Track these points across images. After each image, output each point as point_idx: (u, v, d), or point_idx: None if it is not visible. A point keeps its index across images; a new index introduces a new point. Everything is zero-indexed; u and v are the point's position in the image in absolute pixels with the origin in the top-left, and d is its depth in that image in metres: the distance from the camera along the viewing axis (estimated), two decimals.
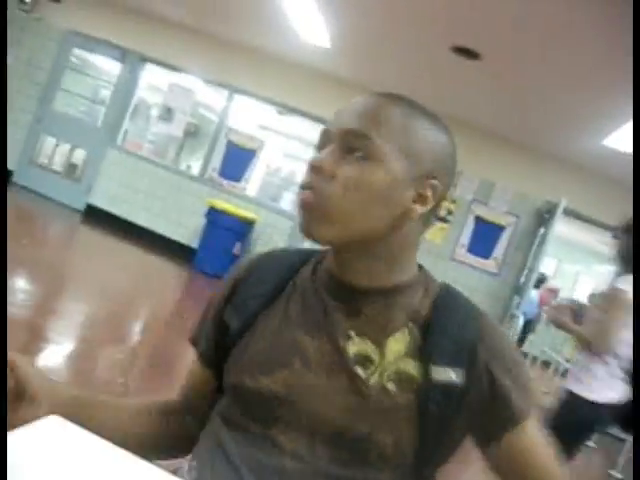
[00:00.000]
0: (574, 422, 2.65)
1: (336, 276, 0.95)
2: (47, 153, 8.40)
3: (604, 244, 11.58)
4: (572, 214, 6.93)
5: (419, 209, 0.91)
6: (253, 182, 8.43)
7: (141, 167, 7.92)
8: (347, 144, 0.88)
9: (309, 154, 9.38)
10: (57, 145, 8.37)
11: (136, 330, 4.60)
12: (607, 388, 2.64)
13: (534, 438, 0.91)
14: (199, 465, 0.95)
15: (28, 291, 4.11)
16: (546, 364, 10.28)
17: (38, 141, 8.28)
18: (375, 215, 0.88)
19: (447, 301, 0.94)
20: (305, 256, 1.05)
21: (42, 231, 6.98)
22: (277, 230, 7.55)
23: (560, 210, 6.29)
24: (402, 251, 0.94)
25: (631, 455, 5.18)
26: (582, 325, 2.79)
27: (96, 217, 7.75)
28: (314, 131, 8.22)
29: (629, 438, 4.92)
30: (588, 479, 4.88)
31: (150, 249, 7.37)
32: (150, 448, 1.02)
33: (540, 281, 10.81)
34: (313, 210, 0.88)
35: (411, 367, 0.88)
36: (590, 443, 5.49)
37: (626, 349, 2.63)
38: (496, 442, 0.89)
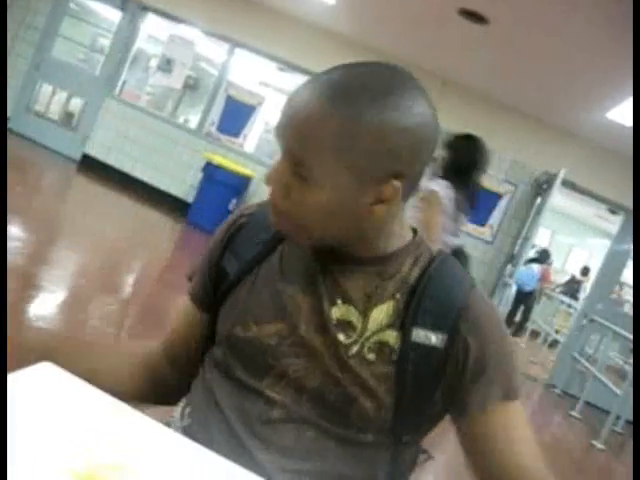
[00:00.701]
0: None
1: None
2: (44, 101, 8.29)
3: (600, 217, 11.55)
4: (570, 186, 6.90)
5: (382, 208, 0.85)
6: (251, 138, 8.35)
7: (138, 118, 7.83)
8: (291, 161, 0.83)
9: None
10: (54, 93, 8.26)
11: (129, 282, 4.61)
12: None
13: (511, 422, 0.87)
14: (193, 412, 0.96)
15: (21, 239, 4.09)
16: (535, 334, 10.40)
17: (35, 88, 8.16)
18: (334, 226, 0.86)
19: (439, 269, 0.91)
20: None
21: (37, 179, 6.93)
22: None
23: (559, 181, 6.26)
24: (382, 227, 0.90)
25: (614, 427, 5.28)
26: None
27: (92, 167, 7.68)
28: None
29: (612, 409, 4.98)
30: (571, 449, 4.96)
31: (145, 201, 7.34)
32: (138, 398, 1.02)
33: (543, 257, 10.66)
34: (276, 223, 0.89)
35: (392, 338, 0.87)
36: (574, 413, 5.58)
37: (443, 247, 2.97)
38: (469, 418, 0.87)
